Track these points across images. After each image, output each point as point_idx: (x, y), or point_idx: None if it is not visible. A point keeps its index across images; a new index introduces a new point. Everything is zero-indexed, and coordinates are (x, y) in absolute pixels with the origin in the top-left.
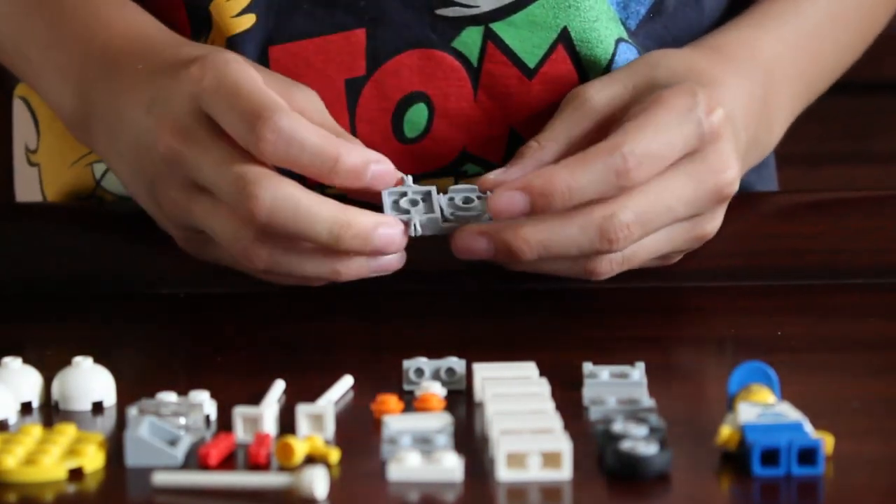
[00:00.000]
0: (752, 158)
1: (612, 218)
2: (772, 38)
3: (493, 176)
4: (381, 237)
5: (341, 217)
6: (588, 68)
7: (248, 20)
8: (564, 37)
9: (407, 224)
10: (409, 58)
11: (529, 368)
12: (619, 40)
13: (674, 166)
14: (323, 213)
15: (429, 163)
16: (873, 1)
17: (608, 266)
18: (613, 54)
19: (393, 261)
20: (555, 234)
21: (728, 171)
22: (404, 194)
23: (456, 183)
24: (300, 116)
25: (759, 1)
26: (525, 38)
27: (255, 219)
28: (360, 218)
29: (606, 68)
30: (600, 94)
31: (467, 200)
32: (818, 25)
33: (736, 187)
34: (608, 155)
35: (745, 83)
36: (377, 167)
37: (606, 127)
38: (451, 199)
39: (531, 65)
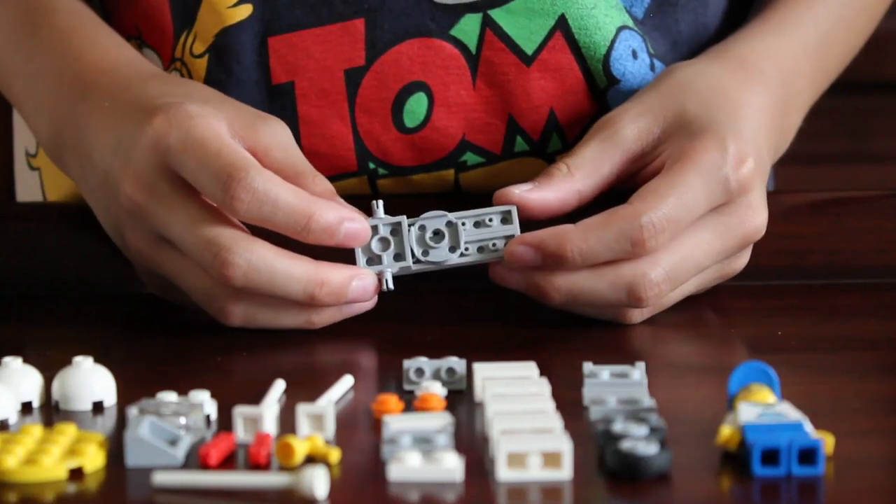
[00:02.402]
0: (770, 166)
1: (643, 277)
2: (793, 46)
3: (518, 192)
4: (355, 290)
5: (314, 276)
6: (587, 56)
7: (245, 10)
8: (562, 24)
9: (380, 277)
10: (409, 47)
11: (529, 368)
12: (621, 28)
13: (701, 221)
14: (297, 272)
15: (429, 153)
16: (872, 1)
17: (639, 315)
18: (614, 41)
19: (365, 305)
20: (584, 287)
21: (757, 218)
22: (375, 229)
23: (456, 176)
24: (272, 175)
25: (772, 3)
26: (523, 24)
27: (230, 283)
28: (334, 274)
29: (606, 56)
30: (631, 127)
31: (437, 233)
32: (831, 29)
33: (763, 231)
34: (624, 222)
35: (769, 99)
36: (350, 225)
37: (635, 160)
38: (422, 228)
39: (529, 52)
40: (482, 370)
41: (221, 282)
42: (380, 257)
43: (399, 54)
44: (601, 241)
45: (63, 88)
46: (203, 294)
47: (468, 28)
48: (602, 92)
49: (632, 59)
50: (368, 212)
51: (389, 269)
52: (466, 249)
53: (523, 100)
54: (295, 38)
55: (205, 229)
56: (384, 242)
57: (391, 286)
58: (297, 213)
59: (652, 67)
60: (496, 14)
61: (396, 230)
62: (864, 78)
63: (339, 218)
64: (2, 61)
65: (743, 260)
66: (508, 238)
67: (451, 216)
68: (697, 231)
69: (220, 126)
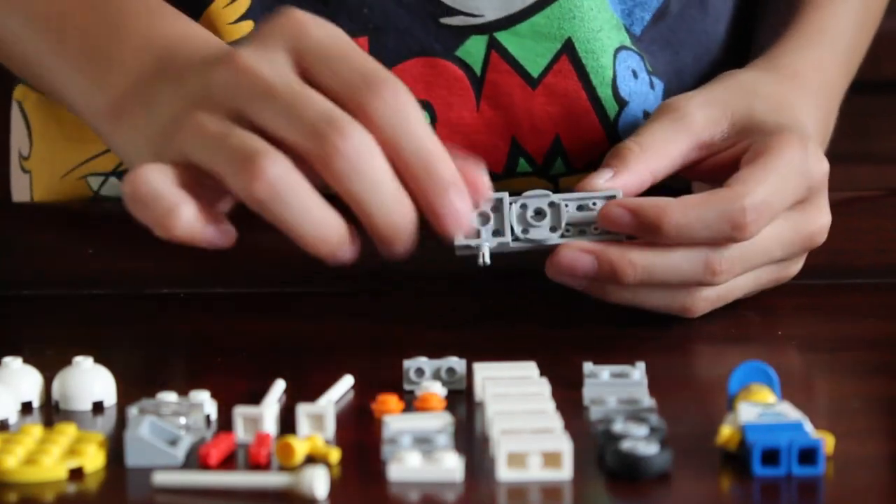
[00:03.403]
0: None
1: (719, 252)
2: (834, 59)
3: (601, 181)
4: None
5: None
6: (595, 81)
7: (246, 27)
8: (568, 47)
9: (475, 248)
10: (413, 66)
11: (530, 368)
12: (619, 48)
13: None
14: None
15: None
16: (878, 4)
17: (704, 304)
18: (614, 62)
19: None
20: (660, 261)
21: (822, 219)
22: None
23: None
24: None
25: (799, 11)
26: (529, 47)
27: (334, 162)
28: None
29: (613, 79)
30: (700, 114)
31: (539, 212)
32: (854, 35)
33: (825, 235)
34: (729, 204)
35: (820, 114)
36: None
37: (702, 148)
38: (524, 207)
39: (535, 74)
40: (482, 370)
41: (324, 161)
42: (478, 231)
43: (403, 73)
44: (701, 219)
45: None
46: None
47: (473, 50)
48: (611, 120)
49: (633, 78)
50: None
51: (487, 243)
52: (567, 230)
53: (527, 122)
54: None
55: (318, 103)
56: (483, 217)
57: (488, 261)
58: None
59: (651, 85)
60: (502, 36)
61: (498, 206)
62: (863, 78)
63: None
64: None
65: (797, 266)
66: None
67: (555, 197)
68: (773, 221)
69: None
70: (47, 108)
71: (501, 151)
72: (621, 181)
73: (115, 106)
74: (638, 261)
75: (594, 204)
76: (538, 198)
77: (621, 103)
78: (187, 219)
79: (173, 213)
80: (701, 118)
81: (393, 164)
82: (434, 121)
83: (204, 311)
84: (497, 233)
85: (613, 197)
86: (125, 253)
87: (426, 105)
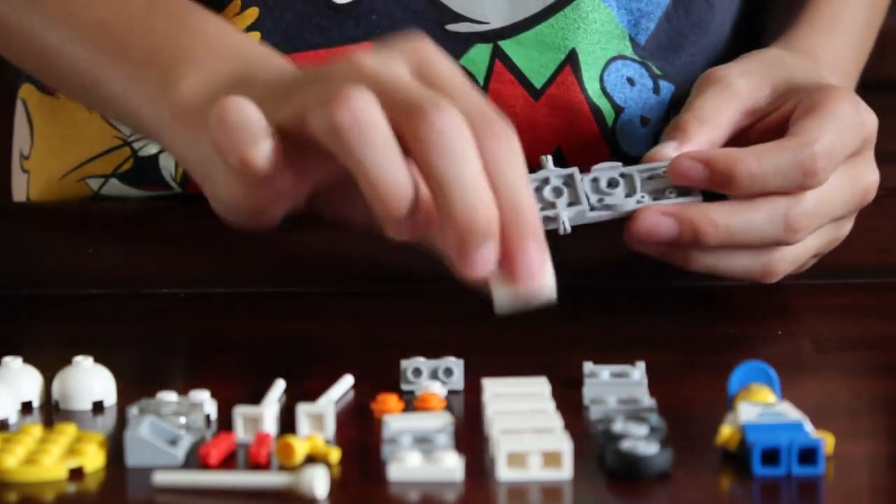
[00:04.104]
0: None
1: (798, 206)
2: (847, 47)
3: (670, 150)
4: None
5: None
6: (587, 88)
7: (254, 37)
8: (572, 58)
9: (554, 219)
10: None
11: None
12: (613, 59)
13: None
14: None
15: None
16: (882, 3)
17: (784, 265)
18: (602, 72)
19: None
20: (741, 219)
21: (874, 174)
22: (546, 181)
23: None
24: None
25: (810, 3)
26: (533, 57)
27: (424, 129)
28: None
29: (601, 89)
30: (743, 81)
31: (612, 183)
32: (864, 29)
33: (875, 192)
34: (799, 149)
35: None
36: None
37: (749, 113)
38: (595, 180)
39: (538, 85)
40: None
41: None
42: (553, 203)
43: None
44: (773, 167)
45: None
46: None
47: (477, 58)
48: (609, 126)
49: (628, 86)
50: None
51: (564, 212)
52: (643, 196)
53: (529, 134)
54: (303, 59)
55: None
56: (557, 192)
57: (569, 229)
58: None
59: (656, 90)
60: (506, 45)
61: (569, 181)
62: (864, 78)
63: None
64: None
65: (849, 226)
66: (683, 189)
67: (625, 168)
68: (834, 176)
69: None
70: (50, 108)
71: None
72: (685, 150)
73: (190, 112)
74: (719, 220)
75: (664, 173)
76: (609, 170)
77: (618, 110)
78: (267, 151)
79: (257, 142)
80: (744, 85)
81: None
82: None
83: (204, 311)
84: (573, 204)
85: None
86: (125, 253)
87: None
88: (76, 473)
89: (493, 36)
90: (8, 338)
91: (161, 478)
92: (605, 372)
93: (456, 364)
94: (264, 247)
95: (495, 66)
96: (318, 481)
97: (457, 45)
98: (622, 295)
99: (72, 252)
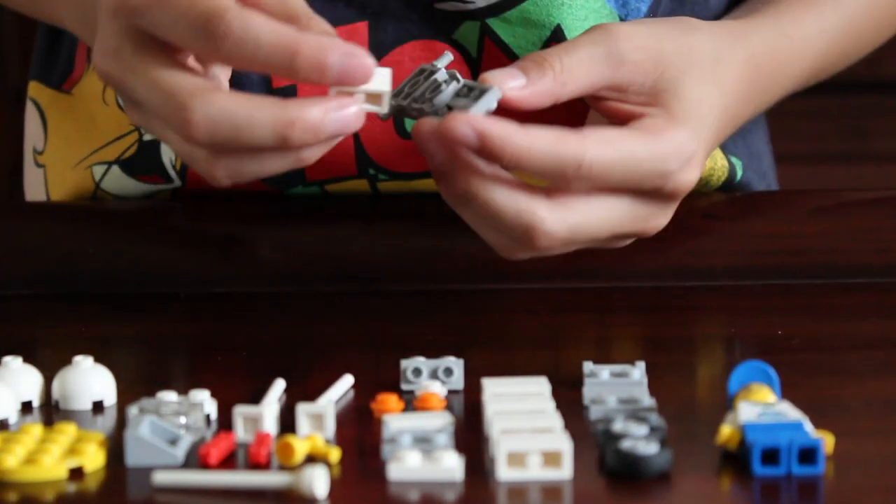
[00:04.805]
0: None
1: (547, 227)
2: (791, 34)
3: (511, 84)
4: (333, 124)
5: (282, 117)
6: None
7: None
8: (557, 34)
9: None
10: (412, 49)
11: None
12: None
13: (617, 193)
14: (262, 117)
15: None
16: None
17: (522, 255)
18: None
19: (352, 124)
20: (492, 202)
21: (658, 223)
22: (425, 74)
23: None
24: (254, 14)
25: None
26: (520, 34)
27: (196, 140)
28: (305, 112)
29: None
30: (632, 58)
31: (440, 85)
32: (838, 22)
33: (654, 233)
34: (568, 156)
35: (748, 106)
36: (343, 60)
37: (615, 89)
38: (436, 81)
39: None
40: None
41: (188, 140)
42: (401, 91)
43: (402, 56)
44: (539, 161)
45: None
46: (185, 157)
47: (469, 34)
48: None
49: None
50: None
51: (387, 96)
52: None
53: (521, 109)
54: None
55: (163, 87)
56: (413, 84)
57: (385, 110)
58: (280, 51)
59: None
60: (493, 23)
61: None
62: (863, 78)
63: (321, 48)
64: None
65: (620, 243)
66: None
67: (466, 81)
68: (608, 201)
69: None
70: (65, 104)
71: None
72: (528, 92)
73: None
74: (471, 187)
75: (477, 91)
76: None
77: None
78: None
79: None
80: (631, 63)
81: None
82: None
83: (204, 311)
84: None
85: (487, 89)
86: (125, 253)
87: None
88: (76, 473)
89: (480, 14)
90: (8, 338)
91: (161, 478)
92: (605, 372)
93: (456, 364)
94: (264, 247)
95: (485, 43)
96: (318, 481)
97: (447, 23)
98: (622, 295)
99: (72, 252)
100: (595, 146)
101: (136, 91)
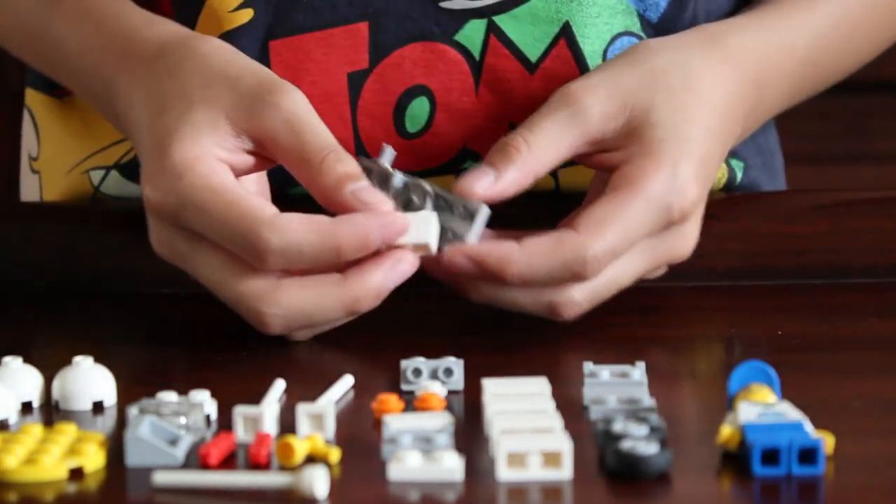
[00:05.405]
0: (742, 137)
1: (567, 297)
2: (782, 44)
3: (481, 190)
4: (394, 281)
5: (349, 300)
6: (590, 65)
7: (246, 14)
8: (566, 31)
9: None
10: (412, 51)
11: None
12: (619, 34)
13: (633, 246)
14: (332, 302)
15: (429, 159)
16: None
17: (573, 308)
18: (606, 49)
19: (409, 272)
20: (506, 298)
21: (687, 246)
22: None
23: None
24: (286, 223)
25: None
26: (527, 31)
27: (271, 332)
28: (367, 284)
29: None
30: (597, 108)
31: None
32: (829, 31)
33: (688, 255)
34: (570, 254)
35: (740, 101)
36: (382, 231)
37: (593, 143)
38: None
39: (533, 59)
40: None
41: (263, 331)
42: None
43: (402, 58)
44: (543, 269)
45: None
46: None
47: (472, 34)
48: None
49: None
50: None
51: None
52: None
53: (525, 108)
54: (297, 42)
55: (233, 285)
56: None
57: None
58: (325, 251)
59: None
60: (501, 20)
61: (385, 179)
62: (864, 78)
63: (363, 230)
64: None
65: (658, 273)
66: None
67: (432, 190)
68: (627, 255)
69: (214, 171)
70: (57, 108)
71: (499, 136)
72: (502, 185)
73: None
74: (484, 292)
75: (462, 209)
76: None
77: None
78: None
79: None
80: (597, 114)
81: None
82: (433, 106)
83: (204, 311)
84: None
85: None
86: (125, 253)
87: (425, 89)
88: (76, 473)
89: (488, 11)
90: (8, 338)
91: (161, 478)
92: (605, 372)
93: (456, 364)
94: None
95: (490, 41)
96: (318, 481)
97: (451, 22)
98: (622, 295)
99: (73, 252)
100: (592, 237)
101: (200, 277)
